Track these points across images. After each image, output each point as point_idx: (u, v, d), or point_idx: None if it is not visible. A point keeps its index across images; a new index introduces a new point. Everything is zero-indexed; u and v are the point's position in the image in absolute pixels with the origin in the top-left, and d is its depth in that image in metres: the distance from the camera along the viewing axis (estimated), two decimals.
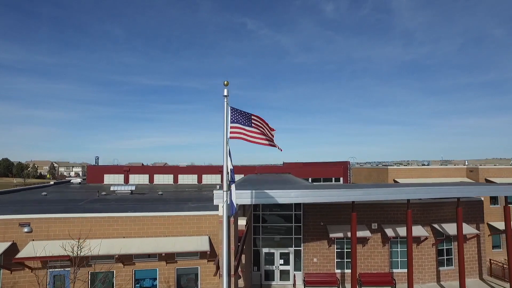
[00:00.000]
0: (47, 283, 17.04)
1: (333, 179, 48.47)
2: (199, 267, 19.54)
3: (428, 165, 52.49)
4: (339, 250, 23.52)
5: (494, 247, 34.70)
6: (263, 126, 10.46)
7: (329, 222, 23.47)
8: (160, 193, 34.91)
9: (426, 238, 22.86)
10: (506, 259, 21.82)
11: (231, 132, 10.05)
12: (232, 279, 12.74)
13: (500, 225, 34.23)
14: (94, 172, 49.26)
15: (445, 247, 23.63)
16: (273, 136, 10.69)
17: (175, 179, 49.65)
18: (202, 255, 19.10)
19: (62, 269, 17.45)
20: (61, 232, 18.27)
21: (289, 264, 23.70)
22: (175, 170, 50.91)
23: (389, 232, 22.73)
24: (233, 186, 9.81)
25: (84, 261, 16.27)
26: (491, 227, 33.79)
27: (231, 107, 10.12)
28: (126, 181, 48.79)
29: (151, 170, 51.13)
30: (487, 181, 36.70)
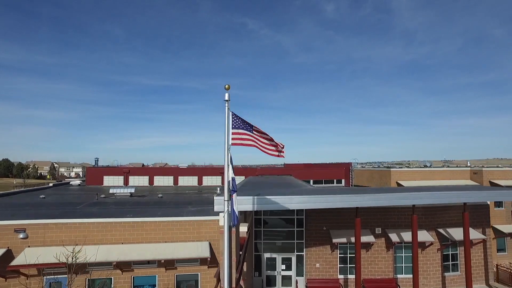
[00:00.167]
0: None
1: (335, 181, 47.98)
2: (199, 273, 19.11)
3: (430, 166, 51.90)
4: (342, 255, 23.02)
5: (498, 250, 34.21)
6: (265, 136, 10.00)
7: (332, 227, 22.98)
8: (160, 195, 34.46)
9: (432, 244, 22.36)
10: None
11: (232, 139, 9.57)
12: None
13: (505, 228, 33.80)
14: (94, 173, 48.82)
15: (450, 252, 23.11)
16: (278, 146, 10.16)
17: (175, 181, 49.19)
18: (202, 261, 18.67)
19: (58, 276, 16.99)
20: (57, 238, 17.84)
21: (291, 270, 23.21)
22: (175, 172, 50.45)
23: (394, 237, 22.23)
24: (234, 196, 9.33)
25: (81, 267, 15.84)
26: (495, 230, 33.29)
27: (232, 112, 9.65)
28: (126, 182, 48.34)
29: (151, 171, 50.68)
30: (492, 183, 36.20)
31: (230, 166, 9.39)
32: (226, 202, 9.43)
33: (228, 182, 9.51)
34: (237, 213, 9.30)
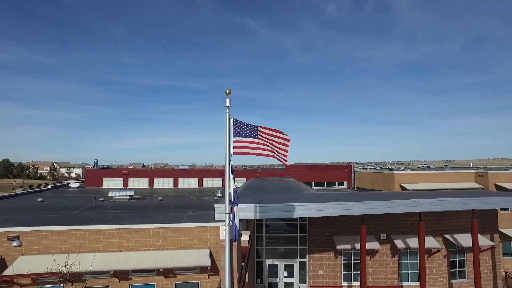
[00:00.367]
0: None
1: (337, 183, 47.35)
2: (199, 281, 18.54)
3: (433, 168, 51.31)
4: (346, 262, 22.41)
5: (504, 254, 33.59)
6: (272, 137, 9.30)
7: (335, 232, 22.36)
8: (159, 198, 33.88)
9: (438, 250, 21.74)
10: None
11: (234, 147, 8.97)
12: None
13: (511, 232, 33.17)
14: (93, 175, 48.25)
15: (457, 259, 22.49)
16: (287, 145, 9.48)
17: (175, 183, 48.60)
18: (202, 269, 18.10)
19: (53, 285, 16.42)
20: (52, 246, 17.26)
21: (293, 276, 22.60)
22: (175, 174, 49.88)
23: (399, 243, 21.62)
24: (236, 208, 8.73)
25: (77, 276, 15.27)
26: (501, 234, 32.61)
27: (234, 119, 9.04)
28: (126, 184, 47.77)
29: (150, 173, 50.09)
30: (497, 186, 35.59)
31: (232, 177, 8.80)
32: (227, 215, 8.84)
33: (230, 193, 8.92)
34: (238, 227, 8.71)
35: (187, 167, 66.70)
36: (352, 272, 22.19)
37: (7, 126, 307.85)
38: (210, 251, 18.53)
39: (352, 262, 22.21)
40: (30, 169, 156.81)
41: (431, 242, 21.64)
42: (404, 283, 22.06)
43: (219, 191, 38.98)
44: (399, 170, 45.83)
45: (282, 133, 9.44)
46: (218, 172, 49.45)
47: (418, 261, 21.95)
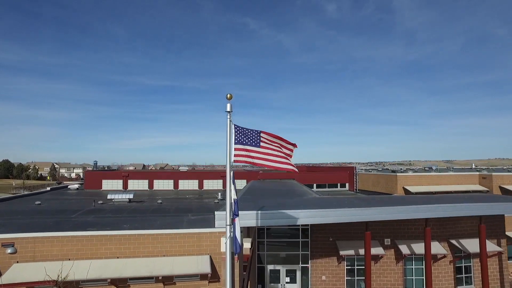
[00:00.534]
0: None
1: (339, 185, 46.83)
2: None
3: (436, 169, 50.76)
4: (349, 267, 21.90)
5: (509, 258, 33.02)
6: (276, 144, 8.80)
7: (338, 238, 21.85)
8: (159, 201, 33.40)
9: (444, 256, 21.23)
10: None
11: (235, 155, 8.49)
12: None
13: None
14: (92, 177, 47.76)
15: (463, 264, 21.98)
16: (291, 150, 8.99)
17: (176, 185, 48.13)
18: (202, 276, 17.60)
19: None
20: (48, 253, 16.79)
21: (295, 282, 22.09)
22: (176, 175, 49.39)
23: (404, 248, 21.11)
24: (237, 220, 8.26)
25: (74, 284, 14.79)
26: (506, 237, 32.09)
27: (235, 125, 8.56)
28: (125, 186, 47.28)
29: (150, 175, 49.58)
30: (502, 188, 35.05)
31: (233, 187, 8.32)
32: (228, 227, 8.36)
33: (230, 204, 8.44)
34: (239, 240, 8.23)
35: (187, 168, 66.23)
36: (356, 278, 21.69)
37: (7, 126, 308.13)
38: (211, 257, 18.05)
39: (356, 267, 21.71)
40: (30, 170, 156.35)
41: (437, 247, 21.13)
42: None
43: (219, 193, 38.49)
44: (401, 172, 45.33)
45: (287, 141, 8.95)
46: (218, 174, 48.98)
47: (424, 266, 21.47)
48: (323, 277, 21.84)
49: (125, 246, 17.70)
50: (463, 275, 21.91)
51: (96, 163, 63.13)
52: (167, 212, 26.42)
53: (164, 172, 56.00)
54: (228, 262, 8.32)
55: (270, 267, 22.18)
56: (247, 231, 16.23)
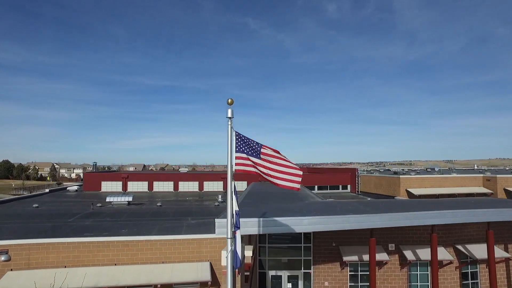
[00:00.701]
0: None
1: (340, 186, 46.31)
2: None
3: (439, 170, 50.23)
4: (353, 273, 21.44)
5: None
6: (276, 160, 8.32)
7: (341, 243, 21.39)
8: (159, 204, 32.89)
9: (450, 262, 20.74)
10: None
11: (236, 164, 8.01)
12: None
13: None
14: (91, 179, 47.28)
15: (469, 270, 21.51)
16: (294, 175, 8.51)
17: (176, 187, 47.64)
18: (202, 284, 17.07)
19: None
20: (44, 260, 16.27)
21: None
22: (176, 177, 48.89)
23: (408, 254, 20.63)
24: (238, 233, 7.77)
25: None
26: None
27: (236, 132, 8.07)
28: (125, 188, 46.81)
29: (150, 177, 49.10)
30: (506, 191, 34.53)
31: (234, 198, 7.83)
32: (229, 240, 7.88)
33: (232, 215, 7.96)
34: (240, 255, 7.74)
35: (187, 169, 65.71)
36: (359, 284, 21.23)
37: (7, 126, 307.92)
38: (211, 264, 17.52)
39: (359, 273, 21.24)
40: (30, 170, 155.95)
41: (442, 253, 20.64)
42: None
43: (220, 195, 37.97)
44: (404, 174, 44.80)
45: (290, 161, 8.47)
46: (219, 176, 48.51)
47: (429, 272, 21.00)
48: (326, 283, 21.38)
49: (123, 252, 17.19)
50: (469, 281, 21.42)
51: (96, 164, 62.65)
52: (166, 216, 25.93)
53: (164, 174, 55.48)
54: (229, 278, 7.84)
55: (271, 272, 21.72)
56: (248, 238, 15.73)
